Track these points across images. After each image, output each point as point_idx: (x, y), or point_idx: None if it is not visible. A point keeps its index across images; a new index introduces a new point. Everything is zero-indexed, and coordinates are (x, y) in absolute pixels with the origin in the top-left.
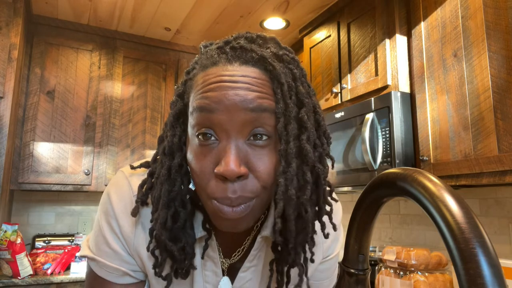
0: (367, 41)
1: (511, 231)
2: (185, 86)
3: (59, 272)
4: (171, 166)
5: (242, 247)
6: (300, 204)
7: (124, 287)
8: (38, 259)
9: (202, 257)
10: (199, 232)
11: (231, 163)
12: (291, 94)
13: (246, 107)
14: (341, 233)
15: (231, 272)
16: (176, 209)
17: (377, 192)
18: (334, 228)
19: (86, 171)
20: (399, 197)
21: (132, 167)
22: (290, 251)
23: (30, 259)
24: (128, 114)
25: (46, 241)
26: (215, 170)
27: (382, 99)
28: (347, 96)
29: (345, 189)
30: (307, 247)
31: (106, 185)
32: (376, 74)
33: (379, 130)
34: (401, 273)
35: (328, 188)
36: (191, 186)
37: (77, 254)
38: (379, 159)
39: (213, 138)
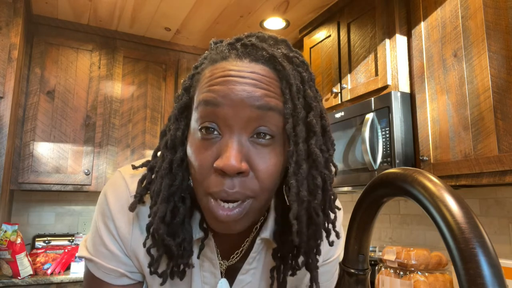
0: (367, 41)
1: (511, 231)
2: (192, 80)
3: (59, 272)
4: (172, 160)
5: (240, 249)
6: (311, 208)
7: None
8: (38, 259)
9: (198, 257)
10: (197, 233)
11: (232, 158)
12: (299, 96)
13: (253, 104)
14: (341, 235)
15: (230, 274)
16: (175, 204)
17: (377, 192)
18: (338, 236)
19: (86, 171)
20: (399, 197)
21: (134, 167)
22: (299, 256)
23: (30, 259)
24: (128, 114)
25: (46, 241)
26: (215, 164)
27: (382, 99)
28: (347, 96)
29: (345, 189)
30: (319, 252)
31: None
32: (376, 74)
33: (379, 130)
34: (401, 273)
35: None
36: (191, 182)
37: (76, 254)
38: (379, 159)
39: (216, 132)
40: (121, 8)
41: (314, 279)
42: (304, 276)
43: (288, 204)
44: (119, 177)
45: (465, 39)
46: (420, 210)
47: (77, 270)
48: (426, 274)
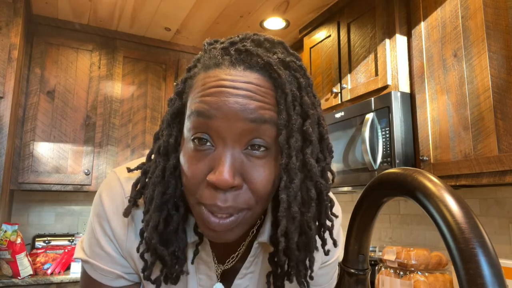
0: (367, 41)
1: (511, 231)
2: (185, 84)
3: (59, 272)
4: (165, 168)
5: (236, 253)
6: (303, 221)
7: None
8: (38, 259)
9: (192, 262)
10: (192, 237)
11: (225, 173)
12: (295, 105)
13: (246, 117)
14: (340, 237)
15: (227, 278)
16: (169, 212)
17: (377, 192)
18: (335, 244)
19: (86, 171)
20: (399, 197)
21: (129, 170)
22: (290, 268)
23: (30, 259)
24: (128, 114)
25: (46, 241)
26: (208, 178)
27: (382, 99)
28: (347, 96)
29: (345, 189)
30: (307, 264)
31: None
32: (376, 74)
33: (379, 130)
34: (401, 273)
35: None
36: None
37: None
38: (379, 159)
39: (208, 143)
40: (121, 8)
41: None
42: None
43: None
44: (114, 178)
45: (465, 39)
46: (420, 210)
47: (77, 270)
48: (426, 274)
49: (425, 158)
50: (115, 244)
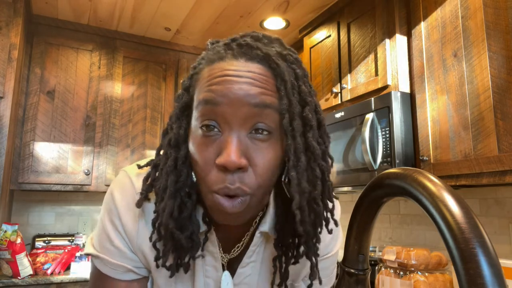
0: (367, 41)
1: (511, 231)
2: (191, 80)
3: (59, 272)
4: (177, 157)
5: (241, 243)
6: (312, 198)
7: (127, 283)
8: (38, 259)
9: (202, 249)
10: (201, 226)
11: (232, 154)
12: (293, 92)
13: (249, 102)
14: (340, 232)
15: (230, 268)
16: (182, 199)
17: (377, 192)
18: (336, 223)
19: (86, 171)
20: (399, 197)
21: (139, 166)
22: (300, 245)
23: (30, 259)
24: (128, 114)
25: (46, 241)
26: (216, 161)
27: (382, 99)
28: (347, 96)
29: (345, 189)
30: (319, 241)
31: (106, 185)
32: (376, 74)
33: (379, 130)
34: (401, 273)
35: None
36: (194, 178)
37: (81, 252)
38: (379, 159)
39: (216, 129)
40: (121, 8)
41: (314, 266)
42: (301, 269)
43: (288, 196)
44: (125, 175)
45: (465, 39)
46: (420, 210)
47: (77, 270)
48: (426, 274)
49: (425, 158)
50: (125, 239)
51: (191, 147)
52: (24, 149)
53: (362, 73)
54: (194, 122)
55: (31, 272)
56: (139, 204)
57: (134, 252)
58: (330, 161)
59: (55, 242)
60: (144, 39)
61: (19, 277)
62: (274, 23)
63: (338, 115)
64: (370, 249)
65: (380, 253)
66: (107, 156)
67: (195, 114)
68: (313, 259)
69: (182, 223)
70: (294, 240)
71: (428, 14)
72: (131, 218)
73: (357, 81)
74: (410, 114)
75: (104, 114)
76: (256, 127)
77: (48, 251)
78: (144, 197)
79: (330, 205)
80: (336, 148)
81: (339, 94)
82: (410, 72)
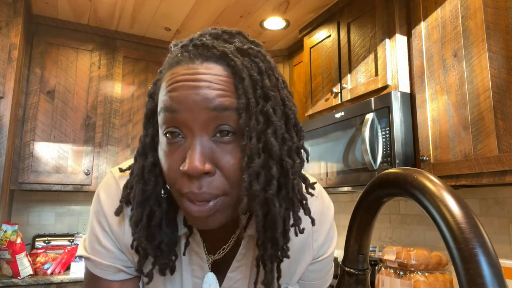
0: (367, 41)
1: (511, 231)
2: (155, 86)
3: (59, 272)
4: (144, 166)
5: (227, 245)
6: (267, 199)
7: (120, 283)
8: (38, 259)
9: (184, 254)
10: (182, 229)
11: (195, 161)
12: (256, 88)
13: (207, 106)
14: (334, 234)
15: (220, 270)
16: (151, 208)
17: (377, 192)
18: (313, 222)
19: (86, 171)
20: (399, 197)
21: (121, 170)
22: (260, 247)
23: (30, 259)
24: (128, 114)
25: (46, 241)
26: (181, 168)
27: (382, 99)
28: (347, 96)
29: (345, 189)
30: (281, 242)
31: None
32: (376, 74)
33: (379, 130)
34: (401, 273)
35: (303, 183)
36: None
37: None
38: (379, 159)
39: (180, 136)
40: (121, 8)
41: (268, 273)
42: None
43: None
44: (110, 177)
45: (465, 39)
46: (420, 210)
47: (77, 270)
48: (426, 274)
49: (425, 158)
50: (112, 239)
51: (159, 153)
52: (24, 149)
53: (362, 73)
54: (160, 129)
55: (31, 272)
56: (117, 213)
57: (122, 251)
58: (302, 156)
59: (55, 242)
60: (144, 39)
61: (19, 277)
62: (274, 23)
63: (338, 115)
64: (370, 249)
65: (380, 253)
66: (107, 156)
67: (159, 121)
68: (267, 265)
69: (151, 232)
70: (274, 240)
71: (428, 14)
72: (117, 218)
73: (357, 81)
74: (410, 114)
75: (104, 114)
76: (219, 129)
77: (48, 251)
78: (122, 205)
79: (297, 202)
80: (336, 148)
81: (339, 94)
82: (410, 72)
